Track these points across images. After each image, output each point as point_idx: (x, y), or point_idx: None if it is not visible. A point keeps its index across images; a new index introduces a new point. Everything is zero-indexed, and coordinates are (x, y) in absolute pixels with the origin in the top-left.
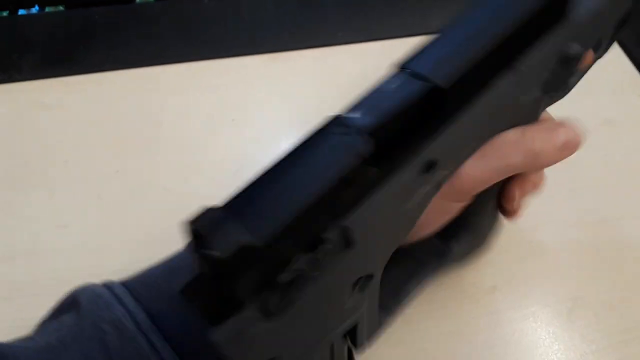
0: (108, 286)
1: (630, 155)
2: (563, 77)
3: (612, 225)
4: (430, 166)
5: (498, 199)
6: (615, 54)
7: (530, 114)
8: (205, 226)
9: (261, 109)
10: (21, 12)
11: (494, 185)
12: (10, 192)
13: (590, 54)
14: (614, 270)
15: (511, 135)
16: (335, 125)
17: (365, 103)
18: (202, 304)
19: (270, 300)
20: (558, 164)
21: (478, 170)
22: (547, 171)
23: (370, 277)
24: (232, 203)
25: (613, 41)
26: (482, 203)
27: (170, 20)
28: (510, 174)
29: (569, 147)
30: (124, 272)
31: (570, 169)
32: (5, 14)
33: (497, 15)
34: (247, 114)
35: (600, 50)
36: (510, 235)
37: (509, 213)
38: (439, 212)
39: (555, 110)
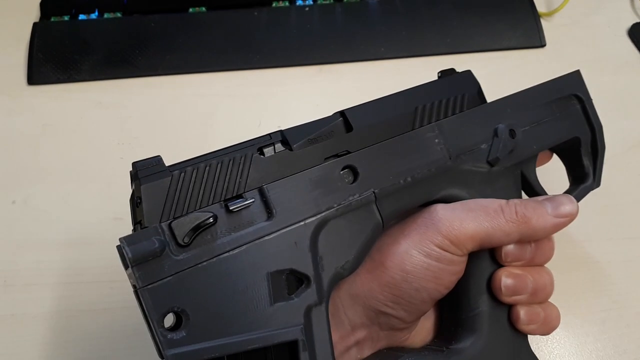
0: None
1: None
2: (502, 152)
3: None
4: (353, 173)
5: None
6: None
7: (496, 186)
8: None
9: (305, 117)
10: (81, 17)
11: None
12: (68, 184)
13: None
14: None
15: (497, 201)
16: (268, 136)
17: (298, 127)
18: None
19: (180, 230)
20: None
21: (468, 221)
22: None
23: (302, 279)
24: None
25: (596, 169)
26: (475, 293)
27: (221, 30)
28: (504, 242)
29: (559, 215)
30: None
31: (606, 187)
32: (66, 18)
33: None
34: (292, 122)
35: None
36: None
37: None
38: (430, 272)
39: None
